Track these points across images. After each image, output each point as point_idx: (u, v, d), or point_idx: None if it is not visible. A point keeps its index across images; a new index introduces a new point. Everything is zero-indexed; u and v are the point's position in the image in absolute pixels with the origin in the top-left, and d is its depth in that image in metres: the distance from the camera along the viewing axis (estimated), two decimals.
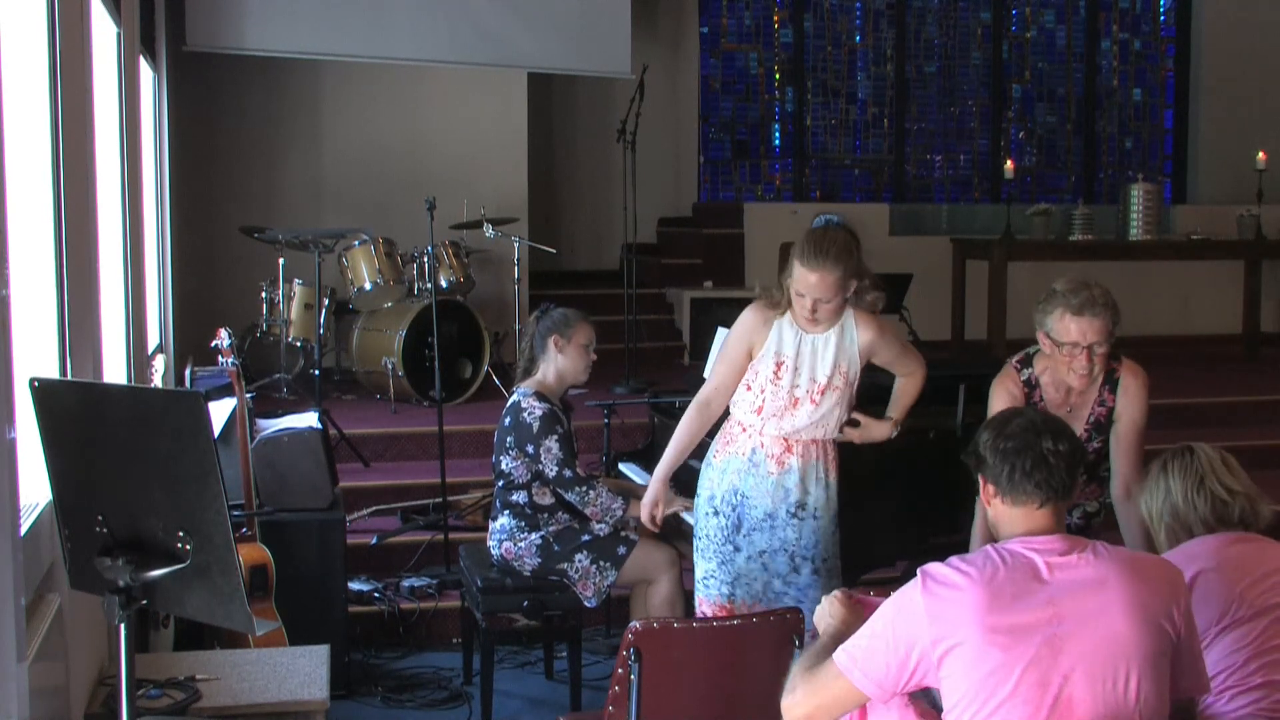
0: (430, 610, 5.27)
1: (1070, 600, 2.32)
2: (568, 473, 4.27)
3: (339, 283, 7.59)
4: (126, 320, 4.80)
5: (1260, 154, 9.37)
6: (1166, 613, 2.37)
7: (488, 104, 8.95)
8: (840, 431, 3.80)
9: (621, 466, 4.87)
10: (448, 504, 5.62)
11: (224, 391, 4.65)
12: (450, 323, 7.29)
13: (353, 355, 7.63)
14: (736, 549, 3.74)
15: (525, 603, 4.35)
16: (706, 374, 4.66)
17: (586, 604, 4.34)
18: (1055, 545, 2.40)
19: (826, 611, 2.63)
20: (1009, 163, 9.79)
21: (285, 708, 3.40)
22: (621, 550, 4.29)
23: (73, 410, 2.46)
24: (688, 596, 4.50)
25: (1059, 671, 2.29)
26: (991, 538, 2.53)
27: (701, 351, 5.93)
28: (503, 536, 4.37)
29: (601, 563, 4.28)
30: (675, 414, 4.73)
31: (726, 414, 3.85)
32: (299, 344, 7.44)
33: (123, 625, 2.39)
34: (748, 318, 3.75)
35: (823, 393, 3.69)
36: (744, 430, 3.75)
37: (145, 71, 5.87)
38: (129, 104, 4.96)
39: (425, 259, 7.51)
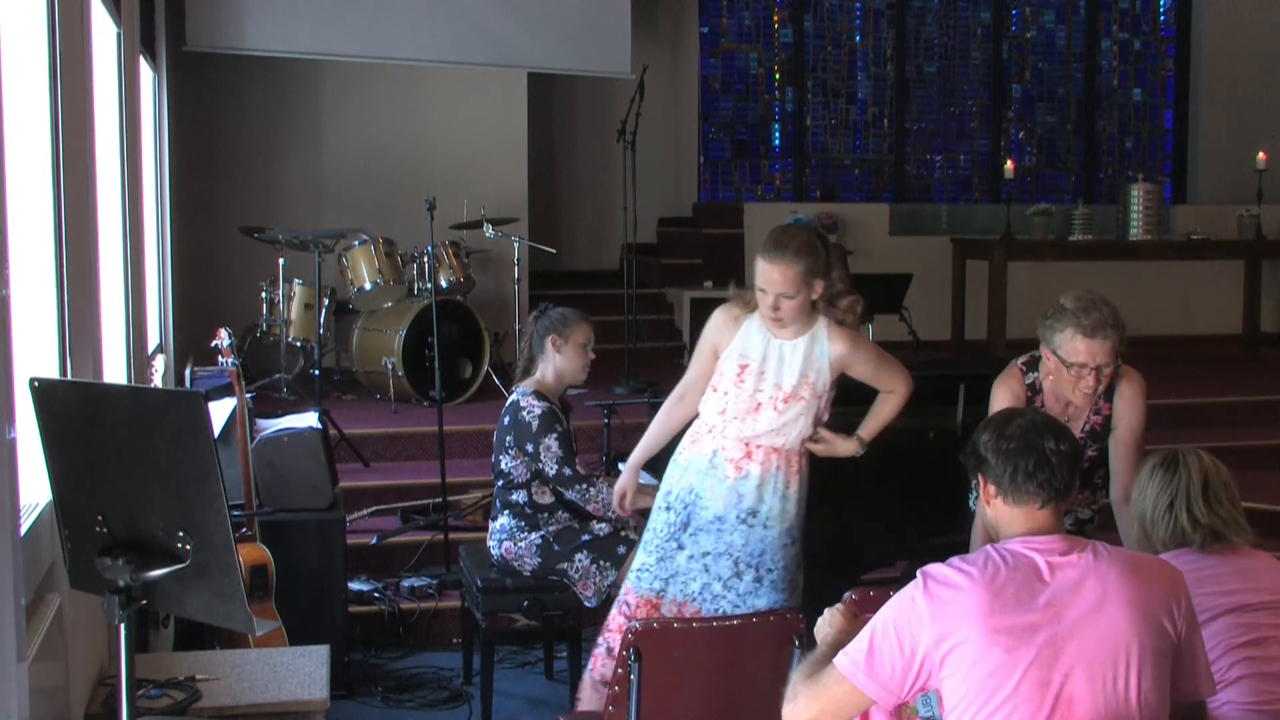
0: (430, 610, 5.27)
1: (1071, 600, 2.33)
2: (568, 471, 4.27)
3: (339, 283, 7.59)
4: (126, 320, 4.80)
5: (1260, 154, 9.37)
6: (1166, 612, 2.37)
7: (488, 104, 8.95)
8: (803, 445, 3.71)
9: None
10: (448, 504, 5.62)
11: (224, 391, 4.65)
12: (450, 323, 7.29)
13: (353, 355, 7.63)
14: (680, 546, 3.69)
15: (525, 603, 4.35)
16: None
17: (586, 604, 4.34)
18: (1056, 545, 2.40)
19: (827, 621, 2.62)
20: (1009, 163, 9.80)
21: (285, 708, 3.41)
22: (621, 550, 4.29)
23: (73, 410, 2.46)
24: None
25: (1060, 671, 2.29)
26: (991, 539, 2.53)
27: None
28: (503, 536, 4.37)
29: (601, 562, 4.28)
30: None
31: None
32: (299, 344, 7.44)
33: (123, 625, 2.39)
34: (716, 317, 3.72)
35: (786, 401, 3.62)
36: (709, 431, 3.71)
37: (145, 71, 5.87)
38: (129, 104, 4.96)
39: (425, 259, 7.51)
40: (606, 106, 9.77)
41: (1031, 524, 2.43)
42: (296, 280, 7.40)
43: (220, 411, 4.66)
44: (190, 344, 6.99)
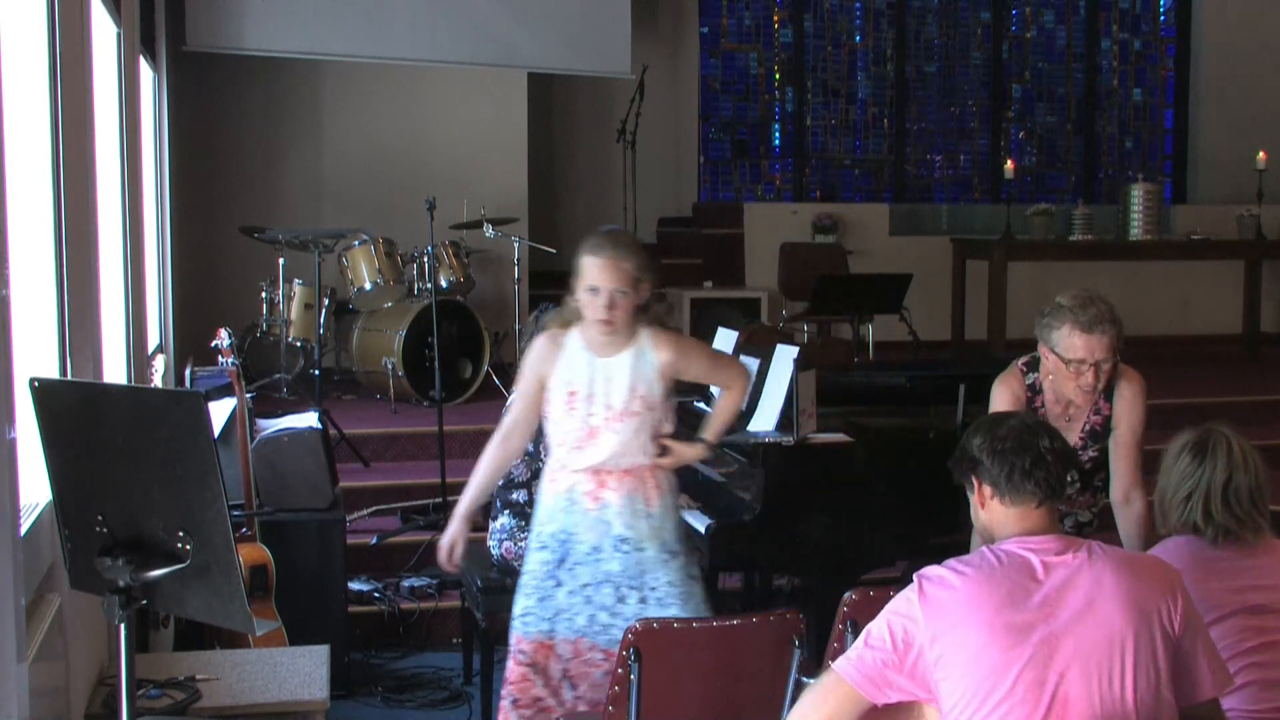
0: (430, 610, 5.27)
1: (1066, 598, 2.33)
2: None
3: (339, 283, 7.59)
4: (126, 320, 4.80)
5: (1260, 154, 9.37)
6: (1163, 610, 2.37)
7: (488, 104, 8.95)
8: (653, 459, 3.54)
9: None
10: (448, 504, 5.62)
11: (224, 391, 4.65)
12: (450, 323, 7.29)
13: (353, 355, 7.63)
14: (558, 584, 3.53)
15: None
16: None
17: None
18: (1051, 545, 2.40)
19: None
20: (1009, 163, 9.80)
21: (285, 708, 3.41)
22: None
23: (73, 410, 2.46)
24: None
25: (1055, 670, 2.29)
26: (987, 544, 2.53)
27: None
28: (503, 536, 4.37)
29: None
30: (675, 414, 4.74)
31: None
32: (299, 344, 7.44)
33: (123, 625, 2.39)
34: (536, 346, 3.59)
35: (620, 419, 3.47)
36: (561, 467, 3.56)
37: (145, 71, 5.87)
38: (129, 104, 4.96)
39: (425, 259, 7.51)
40: (606, 106, 9.78)
41: (1027, 524, 2.43)
42: (296, 280, 7.40)
43: (220, 411, 4.66)
44: (190, 344, 6.99)
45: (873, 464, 4.15)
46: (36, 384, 2.44)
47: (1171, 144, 11.67)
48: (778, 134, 11.16)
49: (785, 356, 4.15)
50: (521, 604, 3.57)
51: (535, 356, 3.57)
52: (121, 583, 2.35)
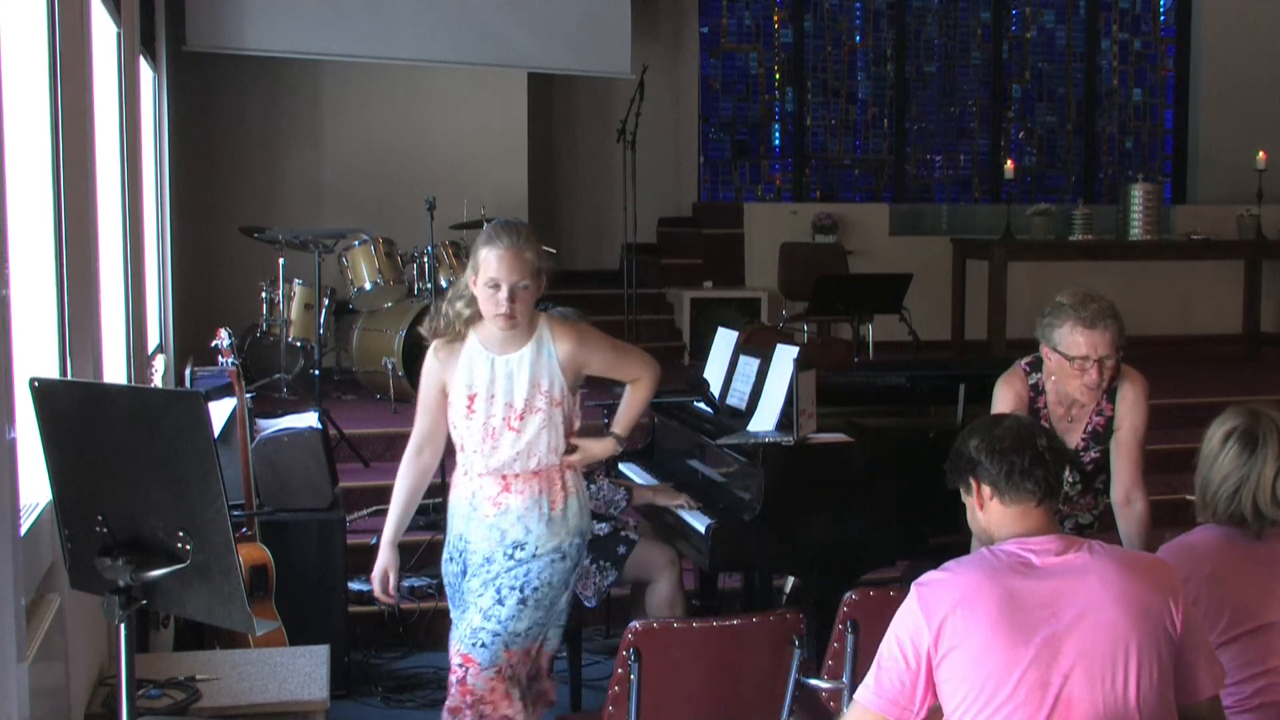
0: (430, 610, 5.26)
1: (1067, 599, 2.32)
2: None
3: (339, 283, 7.59)
4: (126, 320, 4.80)
5: (1260, 154, 9.37)
6: (1165, 609, 2.37)
7: (488, 104, 8.96)
8: (560, 457, 3.43)
9: (621, 466, 4.87)
10: (448, 504, 5.61)
11: (224, 391, 4.65)
12: None
13: (353, 355, 7.63)
14: (464, 595, 3.47)
15: None
16: (707, 375, 4.67)
17: (586, 604, 4.33)
18: (1051, 545, 2.40)
19: None
20: (1009, 163, 9.80)
21: (285, 708, 3.41)
22: (621, 550, 4.29)
23: (73, 410, 2.46)
24: (688, 596, 4.51)
25: (1059, 671, 2.29)
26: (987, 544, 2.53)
27: (701, 351, 5.92)
28: None
29: (601, 563, 4.28)
30: (675, 414, 4.74)
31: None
32: (299, 344, 7.44)
33: (123, 625, 2.39)
34: (431, 356, 3.48)
35: (522, 418, 3.35)
36: (464, 473, 3.47)
37: (145, 71, 5.87)
38: (129, 104, 4.96)
39: (425, 259, 7.51)
40: (606, 106, 9.77)
41: (1027, 523, 2.43)
42: (296, 280, 7.40)
43: (220, 411, 4.66)
44: (190, 344, 6.99)
45: (873, 464, 4.15)
46: (36, 384, 2.44)
47: (1171, 144, 11.67)
48: (778, 134, 11.16)
49: (785, 356, 4.15)
50: (453, 614, 3.52)
51: (432, 365, 3.48)
52: (121, 583, 2.36)
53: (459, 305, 3.39)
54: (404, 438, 6.55)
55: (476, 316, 3.39)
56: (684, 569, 4.42)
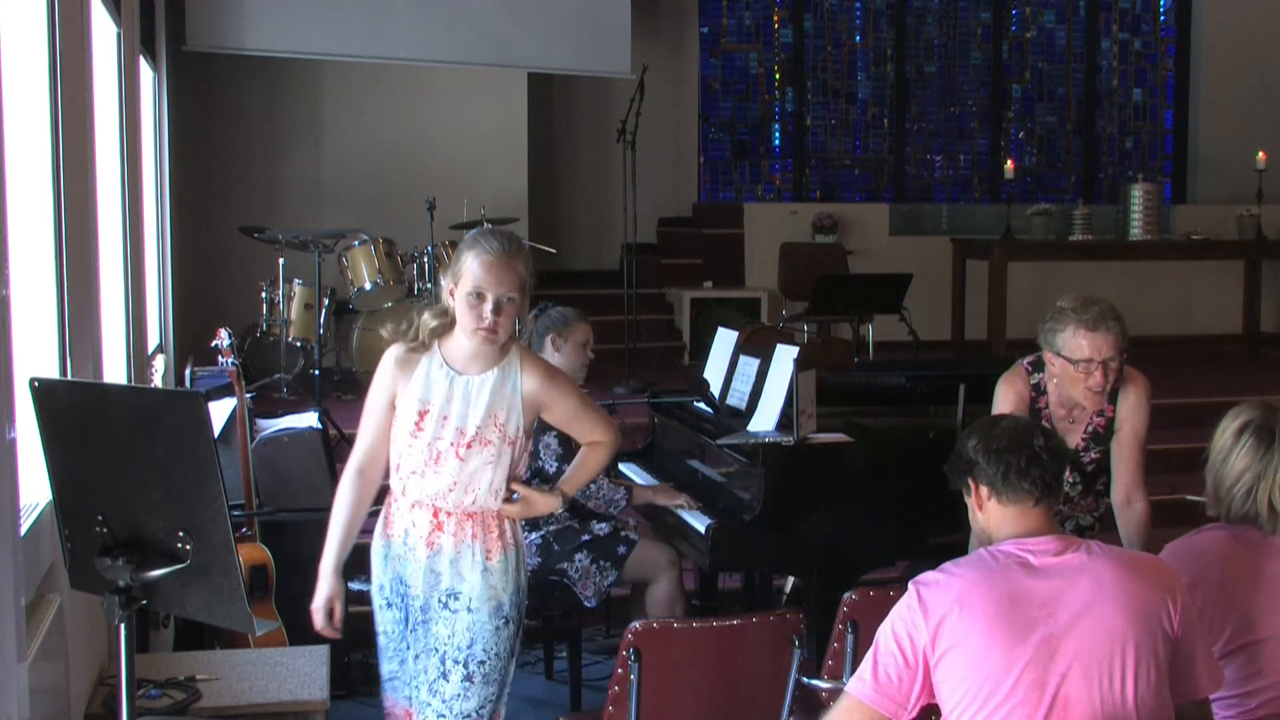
0: None
1: (1067, 599, 2.33)
2: (567, 467, 4.26)
3: (339, 283, 7.60)
4: (126, 320, 4.80)
5: (1260, 154, 9.37)
6: (1163, 610, 2.37)
7: (488, 104, 8.96)
8: (500, 504, 3.12)
9: (621, 467, 4.87)
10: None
11: (224, 391, 4.65)
12: None
13: (353, 355, 7.63)
14: (408, 646, 3.18)
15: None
16: (707, 375, 4.67)
17: (586, 604, 4.33)
18: (1049, 545, 2.40)
19: None
20: (1009, 163, 9.80)
21: (285, 708, 3.41)
22: (621, 550, 4.29)
23: (73, 410, 2.46)
24: (688, 596, 4.51)
25: (1056, 671, 2.29)
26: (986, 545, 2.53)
27: (701, 351, 5.93)
28: None
29: (601, 562, 4.28)
30: (675, 414, 4.75)
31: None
32: (299, 344, 7.44)
33: (123, 625, 2.39)
34: (387, 363, 3.12)
35: (469, 446, 3.04)
36: (399, 496, 3.15)
37: (145, 71, 5.87)
38: (129, 104, 4.96)
39: (425, 259, 7.52)
40: (606, 106, 9.77)
41: (1025, 523, 2.43)
42: (296, 280, 7.40)
43: (220, 411, 4.66)
44: (190, 344, 6.99)
45: (873, 464, 4.15)
46: (36, 384, 2.44)
47: (1171, 144, 11.67)
48: (778, 134, 11.16)
49: (785, 356, 4.15)
50: (386, 667, 3.27)
51: (387, 373, 3.13)
52: (121, 583, 2.35)
53: (426, 316, 3.12)
54: None
55: (445, 329, 3.11)
56: (684, 569, 4.42)
